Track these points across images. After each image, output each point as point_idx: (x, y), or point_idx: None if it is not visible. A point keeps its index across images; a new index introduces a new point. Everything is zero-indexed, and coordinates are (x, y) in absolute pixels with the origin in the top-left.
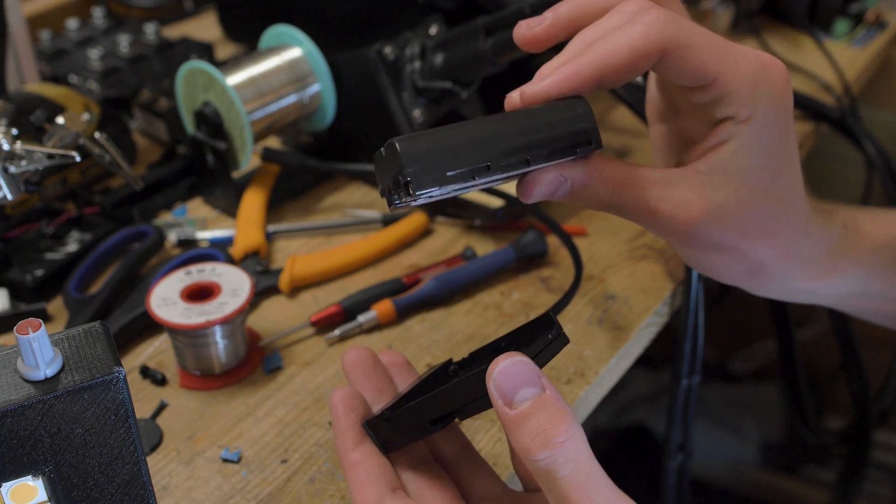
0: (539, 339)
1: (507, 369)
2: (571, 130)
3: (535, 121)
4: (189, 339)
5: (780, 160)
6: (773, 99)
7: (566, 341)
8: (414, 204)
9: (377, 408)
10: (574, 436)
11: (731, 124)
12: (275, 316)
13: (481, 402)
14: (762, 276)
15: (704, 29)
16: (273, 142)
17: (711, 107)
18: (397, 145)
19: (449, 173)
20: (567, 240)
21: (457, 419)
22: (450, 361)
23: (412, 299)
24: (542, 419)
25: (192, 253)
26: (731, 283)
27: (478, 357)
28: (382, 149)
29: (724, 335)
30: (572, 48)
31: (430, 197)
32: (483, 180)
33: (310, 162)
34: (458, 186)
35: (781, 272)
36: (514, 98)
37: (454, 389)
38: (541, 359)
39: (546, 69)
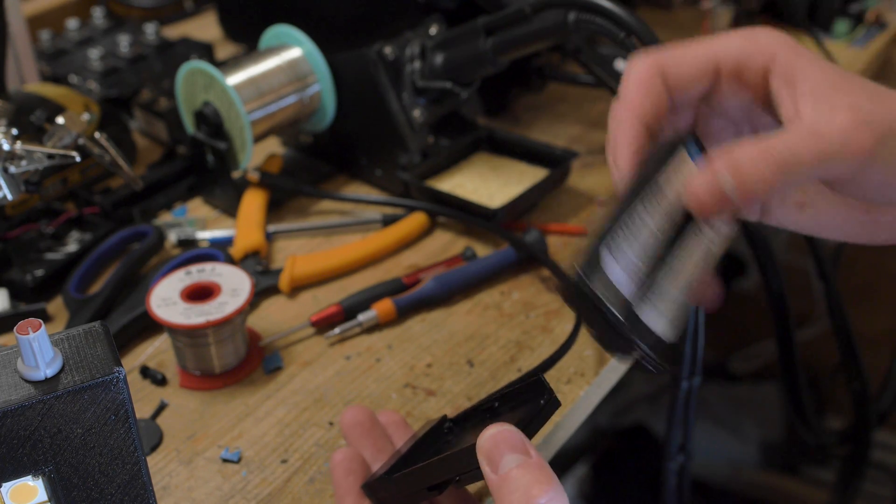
0: (530, 405)
1: (495, 437)
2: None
3: None
4: (189, 339)
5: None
6: (777, 40)
7: (558, 405)
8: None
9: (376, 467)
10: (554, 498)
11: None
12: (275, 316)
13: (475, 473)
14: None
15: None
16: (273, 142)
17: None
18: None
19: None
20: (540, 256)
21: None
22: (444, 419)
23: (412, 299)
24: (525, 481)
25: (192, 253)
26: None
27: (471, 416)
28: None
29: (724, 335)
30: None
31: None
32: None
33: (305, 188)
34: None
35: None
36: None
37: (448, 460)
38: (535, 423)
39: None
